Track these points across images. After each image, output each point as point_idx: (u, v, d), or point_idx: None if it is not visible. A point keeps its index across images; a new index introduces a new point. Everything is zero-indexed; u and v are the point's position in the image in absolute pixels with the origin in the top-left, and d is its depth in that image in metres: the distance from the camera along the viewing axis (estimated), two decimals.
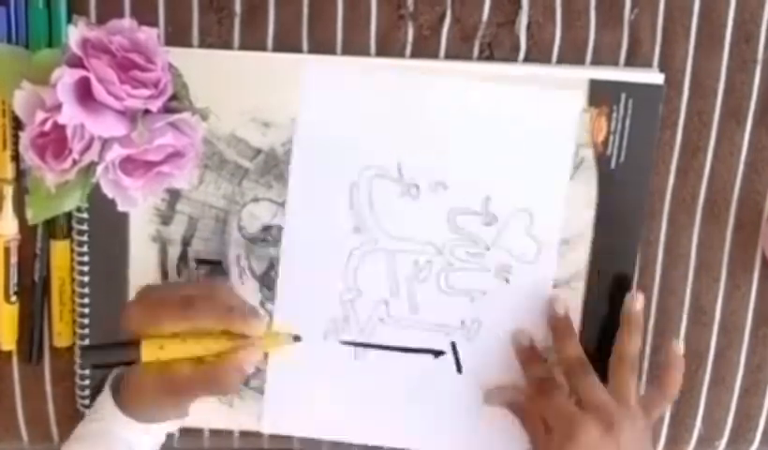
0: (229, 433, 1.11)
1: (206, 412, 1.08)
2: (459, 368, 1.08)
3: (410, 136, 1.03)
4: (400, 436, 1.11)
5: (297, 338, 0.96)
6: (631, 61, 1.03)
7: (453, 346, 1.08)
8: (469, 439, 1.10)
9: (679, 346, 1.05)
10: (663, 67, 1.03)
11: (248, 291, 1.06)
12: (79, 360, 0.84)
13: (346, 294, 1.07)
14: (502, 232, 1.05)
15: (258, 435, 1.11)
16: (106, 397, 0.97)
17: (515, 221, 1.04)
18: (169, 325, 0.90)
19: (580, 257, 1.06)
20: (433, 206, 1.04)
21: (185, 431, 1.09)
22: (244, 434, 1.11)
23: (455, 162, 1.03)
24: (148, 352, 0.89)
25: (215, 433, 1.11)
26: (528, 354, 1.07)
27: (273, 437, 1.11)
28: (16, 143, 0.99)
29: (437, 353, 1.08)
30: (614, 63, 1.03)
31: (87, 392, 1.07)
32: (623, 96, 1.02)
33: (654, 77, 1.02)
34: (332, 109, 1.02)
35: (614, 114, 1.02)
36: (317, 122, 1.02)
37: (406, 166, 1.03)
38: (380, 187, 1.04)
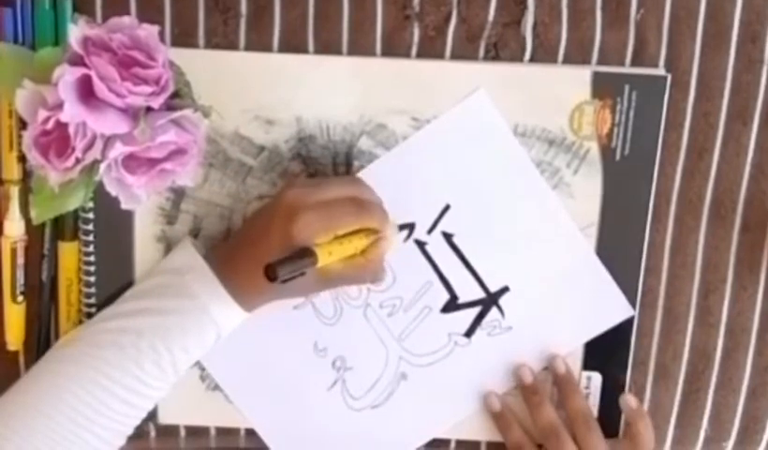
0: (236, 431, 1.11)
1: (212, 412, 1.09)
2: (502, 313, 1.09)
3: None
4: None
5: (400, 228, 1.05)
6: (637, 61, 1.03)
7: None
8: None
9: (627, 400, 1.06)
10: (669, 68, 1.03)
11: None
12: (276, 277, 0.85)
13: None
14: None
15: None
16: (204, 276, 0.98)
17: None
18: (343, 230, 0.95)
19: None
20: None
21: (191, 431, 1.10)
22: (250, 433, 1.11)
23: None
24: (323, 258, 0.91)
25: (222, 431, 1.11)
26: (534, 400, 1.07)
27: None
28: (22, 145, 1.00)
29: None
30: (620, 63, 1.03)
31: None
32: (627, 88, 1.01)
33: (658, 70, 1.03)
34: None
35: (618, 106, 1.01)
36: None
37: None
38: None
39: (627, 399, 1.06)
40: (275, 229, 0.94)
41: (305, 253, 0.90)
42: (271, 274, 0.87)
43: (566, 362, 1.08)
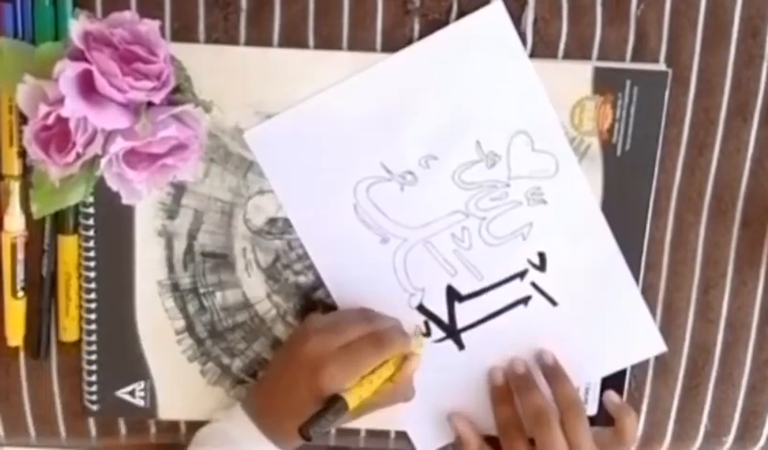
0: None
1: (213, 407, 1.09)
2: (553, 302, 1.08)
3: (376, 132, 1.03)
4: None
5: (425, 334, 1.08)
6: (638, 57, 1.03)
7: (535, 285, 1.07)
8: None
9: (610, 397, 1.08)
10: (670, 63, 1.03)
11: (255, 283, 1.06)
12: (309, 438, 0.89)
13: (412, 300, 1.07)
14: (511, 163, 1.04)
15: None
16: (241, 422, 1.02)
17: (516, 147, 1.03)
18: (367, 369, 0.98)
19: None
20: (435, 180, 1.04)
21: (192, 426, 1.10)
22: None
23: (430, 131, 1.03)
24: (353, 402, 0.95)
25: None
26: (525, 386, 1.07)
27: None
28: (23, 140, 1.00)
29: (526, 301, 1.08)
30: (621, 59, 1.03)
31: (94, 387, 1.07)
32: (628, 83, 1.01)
33: (658, 66, 1.03)
34: (298, 150, 1.03)
35: (619, 102, 1.02)
36: (290, 169, 1.04)
37: (389, 161, 1.03)
38: (379, 193, 1.04)
39: (610, 396, 1.08)
40: (303, 383, 0.98)
41: (335, 401, 0.94)
42: (305, 434, 0.91)
43: (553, 355, 1.08)
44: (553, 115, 1.02)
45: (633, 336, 1.09)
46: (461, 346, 1.09)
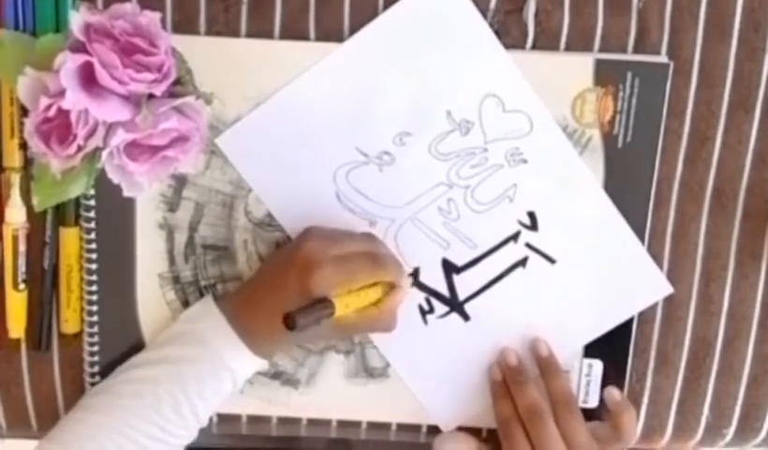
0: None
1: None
2: (551, 260, 1.07)
3: (346, 117, 1.03)
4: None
5: (413, 275, 1.08)
6: (639, 49, 1.02)
7: (530, 246, 1.07)
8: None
9: (611, 392, 1.07)
10: (671, 56, 1.02)
11: None
12: (295, 326, 0.88)
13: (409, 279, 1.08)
14: (485, 128, 1.03)
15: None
16: (217, 323, 1.01)
17: (487, 110, 1.03)
18: (359, 284, 0.98)
19: None
20: (412, 156, 1.04)
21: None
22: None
23: (399, 108, 1.03)
24: (340, 309, 0.94)
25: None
26: (519, 380, 1.07)
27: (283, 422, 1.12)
28: (23, 132, 1.00)
29: (524, 262, 1.07)
30: (622, 51, 1.02)
31: (96, 379, 1.07)
32: (629, 75, 1.01)
33: (660, 58, 1.03)
34: (271, 147, 1.03)
35: (621, 94, 1.02)
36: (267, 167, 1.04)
37: (363, 144, 1.03)
38: (358, 177, 1.04)
39: (612, 392, 1.07)
40: (292, 280, 0.97)
41: (323, 303, 0.93)
42: (290, 323, 0.90)
43: (548, 345, 1.08)
44: (518, 74, 1.02)
45: (637, 281, 1.08)
46: (466, 317, 1.09)
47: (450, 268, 1.07)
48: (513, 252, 1.07)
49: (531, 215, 1.06)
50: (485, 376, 1.10)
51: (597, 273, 1.07)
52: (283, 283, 0.98)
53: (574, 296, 1.08)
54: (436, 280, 1.08)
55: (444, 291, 1.08)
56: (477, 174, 1.04)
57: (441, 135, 1.03)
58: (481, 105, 1.02)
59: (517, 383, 1.06)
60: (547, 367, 1.07)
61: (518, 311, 1.09)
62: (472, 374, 1.10)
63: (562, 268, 1.07)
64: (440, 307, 1.08)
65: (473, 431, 1.12)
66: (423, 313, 1.08)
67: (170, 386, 0.99)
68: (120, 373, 1.03)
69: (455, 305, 1.08)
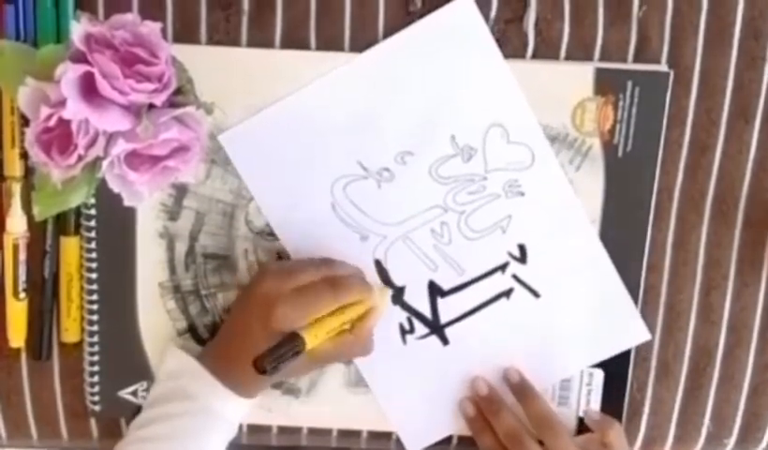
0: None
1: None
2: (536, 294, 1.08)
3: (351, 130, 1.03)
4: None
5: (391, 288, 1.07)
6: (640, 58, 1.03)
7: (516, 278, 1.07)
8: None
9: (589, 414, 1.09)
10: (671, 65, 1.02)
11: None
12: (265, 370, 0.88)
13: (395, 299, 1.08)
14: (487, 156, 1.03)
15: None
16: (198, 376, 1.00)
17: (491, 139, 1.03)
18: (322, 312, 0.96)
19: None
20: (412, 176, 1.04)
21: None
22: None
23: (404, 127, 1.03)
24: (310, 341, 0.93)
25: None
26: (492, 409, 1.08)
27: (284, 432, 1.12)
28: (24, 142, 1.00)
29: (508, 293, 1.08)
30: (623, 60, 1.02)
31: (96, 388, 1.08)
32: (629, 84, 1.01)
33: (660, 67, 1.03)
34: (273, 151, 1.03)
35: (621, 103, 1.02)
36: (266, 170, 1.04)
37: (365, 158, 1.03)
38: (356, 190, 1.04)
39: (589, 412, 1.09)
40: (255, 322, 0.98)
41: (292, 339, 0.92)
42: (259, 366, 0.90)
43: (519, 371, 1.08)
44: (526, 107, 1.02)
45: (617, 325, 1.08)
46: (445, 341, 1.09)
47: (435, 291, 1.07)
48: (499, 282, 1.07)
49: (521, 247, 1.06)
50: (456, 401, 1.10)
51: (578, 312, 1.08)
52: (248, 328, 0.98)
53: (553, 332, 1.09)
54: (420, 301, 1.08)
55: (427, 312, 1.08)
56: (473, 201, 1.05)
57: (443, 158, 1.03)
58: (486, 133, 1.03)
59: (492, 412, 1.07)
60: (521, 391, 1.08)
61: (497, 341, 1.09)
62: (444, 398, 1.11)
63: (545, 303, 1.08)
64: (421, 329, 1.09)
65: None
66: (404, 332, 1.09)
67: (171, 444, 0.99)
68: (128, 434, 1.02)
69: (436, 327, 1.08)
